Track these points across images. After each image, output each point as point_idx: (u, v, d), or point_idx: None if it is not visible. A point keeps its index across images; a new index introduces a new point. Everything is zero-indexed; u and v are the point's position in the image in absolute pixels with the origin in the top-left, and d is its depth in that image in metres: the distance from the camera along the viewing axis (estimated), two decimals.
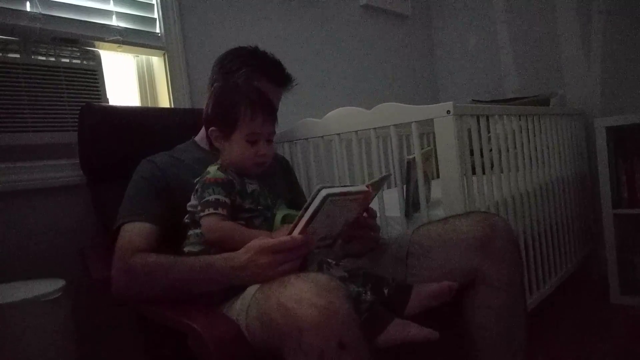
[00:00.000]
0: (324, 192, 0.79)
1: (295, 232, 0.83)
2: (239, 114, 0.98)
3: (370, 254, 1.09)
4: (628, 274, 2.09)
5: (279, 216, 0.99)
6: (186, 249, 0.98)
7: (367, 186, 0.93)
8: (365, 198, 0.93)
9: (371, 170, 1.90)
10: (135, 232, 0.97)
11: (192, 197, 0.98)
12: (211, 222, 0.92)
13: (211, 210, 0.92)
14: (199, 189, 0.96)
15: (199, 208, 0.94)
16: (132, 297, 0.95)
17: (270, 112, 1.02)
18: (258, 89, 1.05)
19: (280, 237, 0.83)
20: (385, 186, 2.10)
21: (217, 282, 0.89)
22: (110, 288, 0.96)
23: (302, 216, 0.83)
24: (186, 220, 0.99)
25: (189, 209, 0.98)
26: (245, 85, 1.06)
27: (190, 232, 0.98)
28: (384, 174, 1.08)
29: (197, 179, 0.98)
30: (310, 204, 0.81)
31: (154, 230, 0.99)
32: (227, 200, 0.94)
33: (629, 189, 2.08)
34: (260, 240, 0.84)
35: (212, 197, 0.92)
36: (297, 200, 1.26)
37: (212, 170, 0.97)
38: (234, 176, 0.98)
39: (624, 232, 2.13)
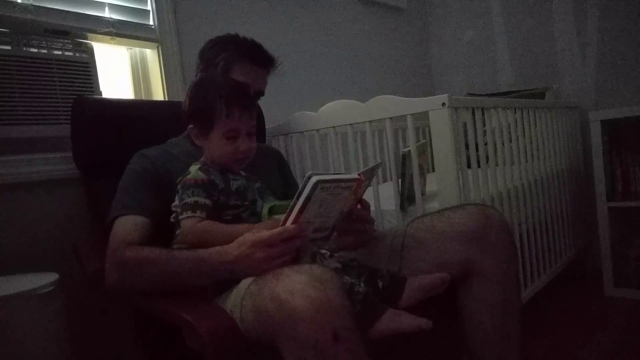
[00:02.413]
0: (314, 179, 0.78)
1: (288, 223, 0.82)
2: (214, 112, 0.95)
3: (365, 246, 1.08)
4: (622, 267, 2.10)
5: (265, 208, 0.98)
6: (175, 247, 0.97)
7: (359, 174, 0.92)
8: (358, 187, 0.92)
9: (367, 164, 1.90)
10: (128, 225, 0.97)
11: (175, 197, 0.96)
12: (188, 225, 0.91)
13: (189, 214, 0.91)
14: (180, 190, 0.94)
15: (179, 210, 0.93)
16: (124, 290, 0.95)
17: (247, 105, 0.99)
18: (234, 82, 1.02)
19: (272, 228, 0.83)
20: (379, 178, 2.12)
21: (208, 276, 0.89)
22: (104, 281, 0.96)
23: (293, 206, 0.82)
24: (172, 220, 0.98)
25: (173, 209, 0.97)
26: (220, 79, 1.03)
27: (178, 231, 0.97)
28: (375, 162, 1.07)
29: (179, 179, 0.96)
30: (301, 192, 0.80)
31: (147, 224, 0.98)
32: (207, 201, 0.92)
33: (623, 182, 2.08)
34: (253, 233, 0.83)
35: (190, 200, 0.91)
36: (291, 194, 1.25)
37: (193, 170, 0.96)
38: (216, 175, 0.97)
39: (618, 224, 2.14)
